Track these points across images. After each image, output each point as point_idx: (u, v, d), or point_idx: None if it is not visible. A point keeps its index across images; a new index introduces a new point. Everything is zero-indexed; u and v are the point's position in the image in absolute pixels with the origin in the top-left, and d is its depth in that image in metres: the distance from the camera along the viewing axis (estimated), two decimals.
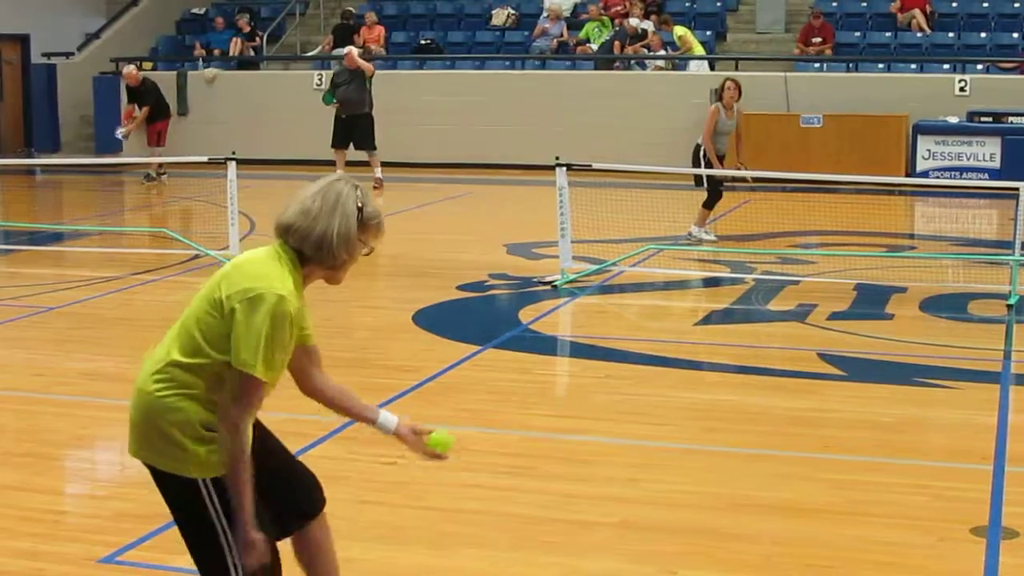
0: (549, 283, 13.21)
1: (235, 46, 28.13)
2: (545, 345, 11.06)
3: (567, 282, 13.24)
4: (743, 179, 16.58)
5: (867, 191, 20.39)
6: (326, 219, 4.41)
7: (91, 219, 18.59)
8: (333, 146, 22.08)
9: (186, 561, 6.24)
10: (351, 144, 21.93)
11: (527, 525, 6.69)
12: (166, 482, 4.50)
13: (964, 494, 7.15)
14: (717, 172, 15.62)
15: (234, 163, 14.60)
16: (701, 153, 15.88)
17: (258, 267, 4.42)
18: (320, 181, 4.53)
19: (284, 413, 8.72)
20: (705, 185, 15.92)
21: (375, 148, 21.71)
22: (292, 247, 4.45)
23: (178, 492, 4.50)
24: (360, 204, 4.45)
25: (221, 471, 4.40)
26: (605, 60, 25.90)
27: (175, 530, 6.37)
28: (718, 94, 16.16)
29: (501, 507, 6.90)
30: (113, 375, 9.74)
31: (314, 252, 4.43)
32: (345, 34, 26.55)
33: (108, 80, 26.76)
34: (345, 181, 4.51)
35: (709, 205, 15.86)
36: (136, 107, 23.71)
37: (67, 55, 28.68)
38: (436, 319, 11.78)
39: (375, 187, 21.10)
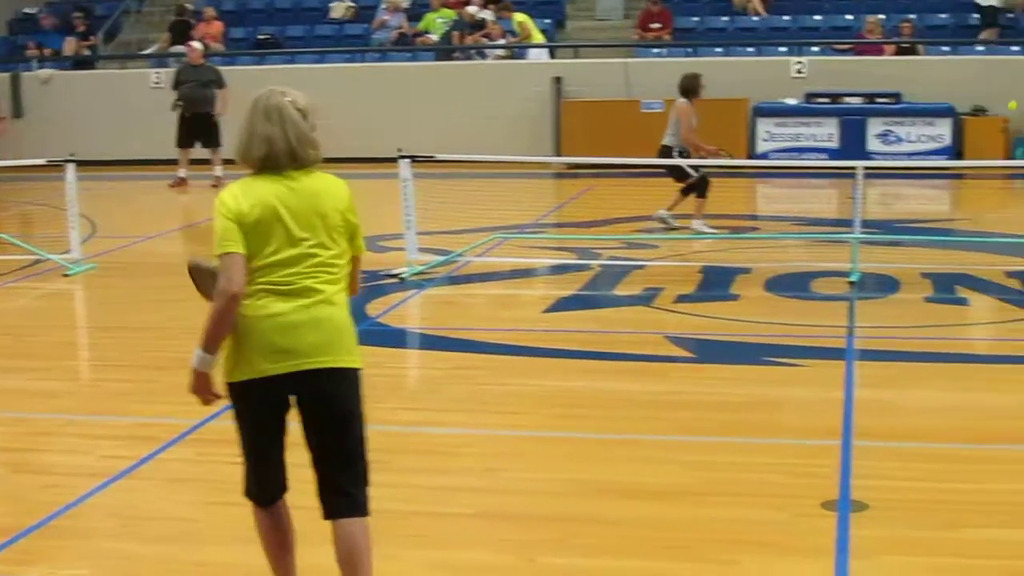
0: (396, 276, 13.16)
1: (70, 45, 27.59)
2: (394, 338, 11.02)
3: (414, 274, 13.20)
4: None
5: (709, 174, 20.54)
6: None
7: None
8: (179, 146, 21.82)
9: (38, 571, 6.15)
10: (196, 143, 21.70)
11: (387, 520, 6.63)
12: None
13: (815, 470, 7.25)
14: (678, 161, 15.53)
15: (73, 165, 14.32)
16: (674, 154, 15.71)
17: None
18: None
19: (133, 417, 8.62)
20: (690, 176, 15.79)
21: (220, 145, 21.42)
22: None
23: None
24: None
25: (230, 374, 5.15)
26: (445, 51, 25.89)
27: (25, 541, 6.30)
28: (688, 91, 15.83)
29: None
30: None
31: None
32: (182, 30, 26.22)
33: None
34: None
35: (701, 193, 15.82)
36: None
37: None
38: None
39: (214, 185, 20.79)
